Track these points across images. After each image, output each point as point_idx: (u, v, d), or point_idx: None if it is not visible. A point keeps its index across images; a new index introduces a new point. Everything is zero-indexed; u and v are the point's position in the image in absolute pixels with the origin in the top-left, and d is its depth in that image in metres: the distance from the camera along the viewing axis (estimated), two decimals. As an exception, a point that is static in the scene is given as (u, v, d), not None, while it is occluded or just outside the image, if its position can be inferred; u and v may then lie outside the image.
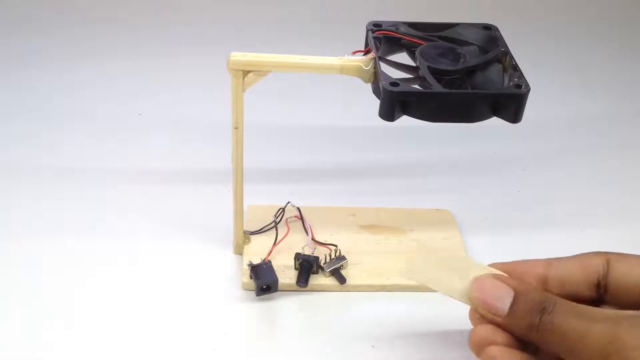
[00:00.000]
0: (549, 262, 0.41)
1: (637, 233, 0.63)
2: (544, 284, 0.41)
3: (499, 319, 0.39)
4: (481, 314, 0.41)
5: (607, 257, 0.40)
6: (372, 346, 0.51)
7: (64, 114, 0.76)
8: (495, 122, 0.48)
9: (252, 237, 0.58)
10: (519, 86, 0.47)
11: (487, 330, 0.40)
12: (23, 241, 0.58)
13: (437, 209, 0.64)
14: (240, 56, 0.48)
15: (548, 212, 0.65)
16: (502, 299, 0.39)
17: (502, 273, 0.42)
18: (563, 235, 0.62)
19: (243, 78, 0.49)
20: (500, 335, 0.40)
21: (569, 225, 0.64)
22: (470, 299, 0.41)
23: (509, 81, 0.48)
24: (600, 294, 0.41)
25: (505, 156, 0.73)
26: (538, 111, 0.68)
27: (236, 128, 0.51)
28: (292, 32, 0.94)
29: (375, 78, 0.49)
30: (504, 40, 0.51)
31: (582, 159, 0.73)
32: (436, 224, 0.62)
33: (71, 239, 0.59)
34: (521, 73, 0.48)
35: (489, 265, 0.42)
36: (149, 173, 0.68)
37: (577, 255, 0.41)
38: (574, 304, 0.38)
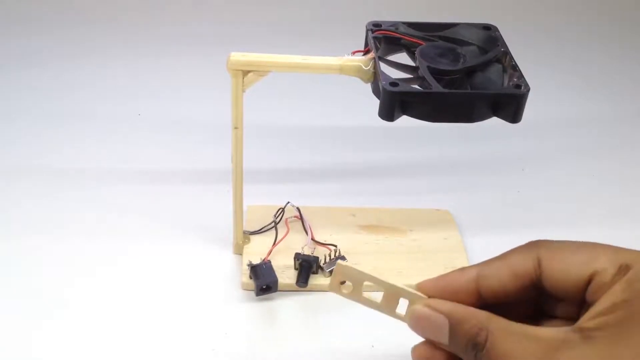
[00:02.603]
0: (479, 271, 0.38)
1: (637, 233, 0.63)
2: (478, 296, 0.38)
3: (442, 346, 0.37)
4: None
5: (538, 255, 0.36)
6: (372, 346, 0.51)
7: (64, 114, 0.76)
8: (495, 122, 0.48)
9: (252, 237, 0.58)
10: (518, 86, 0.47)
11: (426, 349, 0.38)
12: (23, 241, 0.58)
13: (437, 209, 0.64)
14: (240, 56, 0.48)
15: (548, 212, 0.65)
16: (440, 330, 0.37)
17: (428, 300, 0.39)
18: (563, 235, 0.61)
19: (243, 78, 0.49)
20: (439, 354, 0.38)
21: (569, 225, 0.64)
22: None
23: (509, 81, 0.48)
24: (539, 291, 0.37)
25: (505, 156, 0.73)
26: (538, 111, 0.68)
27: (236, 128, 0.51)
28: (292, 32, 0.94)
29: (375, 78, 0.49)
30: (503, 41, 0.51)
31: (582, 159, 0.73)
32: (436, 224, 0.62)
33: (71, 238, 0.59)
34: (521, 73, 0.48)
35: (419, 283, 0.39)
36: (149, 173, 0.68)
37: (506, 259, 0.38)
38: (509, 327, 0.35)
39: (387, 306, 0.40)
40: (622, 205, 0.67)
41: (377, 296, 0.40)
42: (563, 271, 0.35)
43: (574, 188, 0.69)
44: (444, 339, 0.37)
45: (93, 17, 0.95)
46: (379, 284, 0.40)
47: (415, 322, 0.38)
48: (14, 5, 0.95)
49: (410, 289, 0.39)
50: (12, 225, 0.60)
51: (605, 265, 0.33)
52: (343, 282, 0.41)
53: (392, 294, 0.40)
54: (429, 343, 0.38)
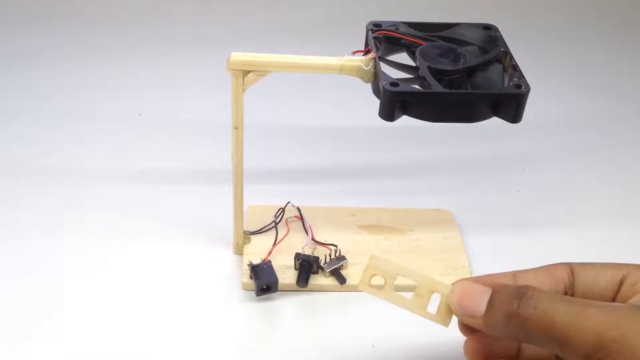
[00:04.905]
0: (515, 274, 0.40)
1: (637, 233, 0.63)
2: None
3: (477, 321, 0.37)
4: (460, 319, 0.39)
5: (571, 267, 0.39)
6: (372, 346, 0.51)
7: (64, 114, 0.76)
8: (495, 122, 0.48)
9: (252, 237, 0.58)
10: (519, 86, 0.47)
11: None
12: (23, 241, 0.58)
13: (437, 209, 0.64)
14: (240, 56, 0.48)
15: (548, 212, 0.65)
16: (480, 299, 0.37)
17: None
18: (563, 235, 0.62)
19: (243, 78, 0.49)
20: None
21: (569, 225, 0.64)
22: (450, 305, 0.40)
23: (509, 81, 0.48)
24: None
25: (505, 156, 0.73)
26: (538, 111, 0.68)
27: (236, 128, 0.51)
28: (292, 32, 0.94)
29: (375, 78, 0.49)
30: (504, 40, 0.51)
31: (582, 159, 0.73)
32: (436, 224, 0.62)
33: (71, 238, 0.59)
34: (521, 73, 0.48)
35: (454, 282, 0.41)
36: (149, 173, 0.68)
37: (542, 267, 0.40)
38: (558, 292, 0.37)
39: (419, 302, 0.41)
40: (621, 205, 0.67)
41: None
42: (595, 276, 0.38)
43: (574, 188, 0.69)
44: (480, 305, 0.37)
45: (93, 17, 0.94)
46: (414, 276, 0.40)
47: (457, 290, 0.39)
48: (14, 5, 0.95)
49: (447, 283, 0.40)
50: (12, 225, 0.60)
51: (635, 270, 0.36)
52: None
53: (426, 288, 0.40)
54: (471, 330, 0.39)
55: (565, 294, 0.39)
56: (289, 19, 0.97)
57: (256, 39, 0.91)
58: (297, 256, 0.55)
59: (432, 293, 0.40)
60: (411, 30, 0.52)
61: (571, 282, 0.39)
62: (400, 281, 0.42)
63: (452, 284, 0.40)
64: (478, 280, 0.40)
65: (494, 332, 0.38)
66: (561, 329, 0.33)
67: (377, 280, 0.42)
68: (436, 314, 0.40)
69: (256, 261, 0.54)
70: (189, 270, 0.57)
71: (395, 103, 0.46)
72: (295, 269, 0.55)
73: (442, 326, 0.40)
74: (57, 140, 0.72)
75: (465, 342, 0.41)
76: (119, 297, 0.54)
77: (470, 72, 0.49)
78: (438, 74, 0.47)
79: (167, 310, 0.53)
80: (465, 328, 0.41)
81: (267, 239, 0.57)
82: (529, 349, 0.42)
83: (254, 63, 0.48)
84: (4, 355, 0.49)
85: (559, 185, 0.69)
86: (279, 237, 0.57)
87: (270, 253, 0.56)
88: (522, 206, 0.66)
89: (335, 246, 0.57)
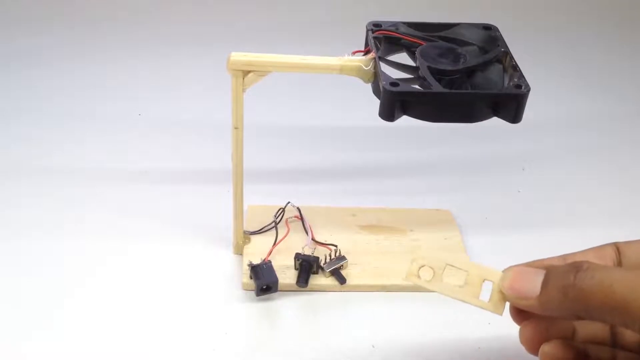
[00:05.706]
0: (563, 257, 0.40)
1: (637, 233, 0.63)
2: None
3: (532, 302, 0.37)
4: (514, 304, 0.39)
5: (617, 245, 0.40)
6: (372, 346, 0.51)
7: (64, 114, 0.76)
8: (495, 122, 0.48)
9: (252, 237, 0.58)
10: (519, 86, 0.47)
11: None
12: (22, 241, 0.58)
13: (437, 209, 0.64)
14: (240, 56, 0.48)
15: (548, 212, 0.65)
16: (534, 279, 0.37)
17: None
18: (563, 235, 0.62)
19: (243, 78, 0.49)
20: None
21: (569, 225, 0.64)
22: (502, 291, 0.39)
23: (509, 81, 0.48)
24: None
25: (505, 156, 0.73)
26: (538, 111, 0.68)
27: (236, 128, 0.51)
28: (292, 32, 0.94)
29: (375, 78, 0.49)
30: (504, 41, 0.51)
31: (582, 159, 0.73)
32: (436, 224, 0.62)
33: (70, 238, 0.59)
34: (521, 73, 0.48)
35: (506, 268, 0.41)
36: (149, 173, 0.68)
37: (589, 249, 0.41)
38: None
39: (471, 291, 0.40)
40: (622, 205, 0.67)
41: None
42: (637, 255, 0.39)
43: (574, 188, 0.69)
44: (534, 287, 0.37)
45: (93, 17, 0.94)
46: (464, 265, 0.40)
47: (510, 274, 0.39)
48: (13, 5, 0.95)
49: (498, 270, 0.40)
50: (12, 225, 0.60)
51: None
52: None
53: (477, 276, 0.40)
54: (526, 314, 0.40)
55: None
56: (289, 19, 0.97)
57: (256, 39, 0.91)
58: (297, 256, 0.55)
59: (483, 281, 0.40)
60: (411, 31, 0.52)
61: (618, 259, 0.40)
62: (449, 274, 0.41)
63: (503, 271, 0.40)
64: (529, 264, 0.40)
65: (549, 312, 0.37)
66: (621, 296, 0.33)
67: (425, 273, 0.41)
68: (489, 302, 0.40)
69: (256, 261, 0.54)
70: (189, 270, 0.57)
71: (395, 103, 0.46)
72: (295, 269, 0.55)
73: (496, 315, 0.40)
74: (57, 140, 0.72)
75: (520, 330, 0.41)
76: (119, 297, 0.54)
77: (470, 72, 0.49)
78: (438, 74, 0.47)
79: (167, 310, 0.53)
80: (518, 315, 0.41)
81: (267, 239, 0.57)
82: (583, 329, 0.42)
83: (254, 63, 0.48)
84: (4, 355, 0.49)
85: (559, 185, 0.69)
86: (279, 237, 0.57)
87: (270, 253, 0.56)
88: (522, 206, 0.66)
89: (335, 246, 0.57)
